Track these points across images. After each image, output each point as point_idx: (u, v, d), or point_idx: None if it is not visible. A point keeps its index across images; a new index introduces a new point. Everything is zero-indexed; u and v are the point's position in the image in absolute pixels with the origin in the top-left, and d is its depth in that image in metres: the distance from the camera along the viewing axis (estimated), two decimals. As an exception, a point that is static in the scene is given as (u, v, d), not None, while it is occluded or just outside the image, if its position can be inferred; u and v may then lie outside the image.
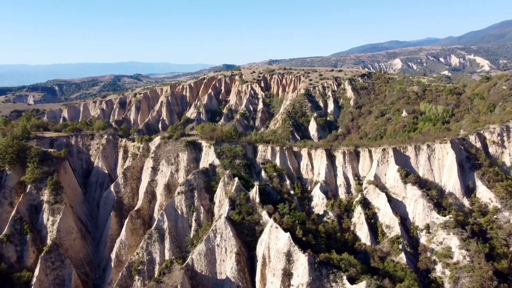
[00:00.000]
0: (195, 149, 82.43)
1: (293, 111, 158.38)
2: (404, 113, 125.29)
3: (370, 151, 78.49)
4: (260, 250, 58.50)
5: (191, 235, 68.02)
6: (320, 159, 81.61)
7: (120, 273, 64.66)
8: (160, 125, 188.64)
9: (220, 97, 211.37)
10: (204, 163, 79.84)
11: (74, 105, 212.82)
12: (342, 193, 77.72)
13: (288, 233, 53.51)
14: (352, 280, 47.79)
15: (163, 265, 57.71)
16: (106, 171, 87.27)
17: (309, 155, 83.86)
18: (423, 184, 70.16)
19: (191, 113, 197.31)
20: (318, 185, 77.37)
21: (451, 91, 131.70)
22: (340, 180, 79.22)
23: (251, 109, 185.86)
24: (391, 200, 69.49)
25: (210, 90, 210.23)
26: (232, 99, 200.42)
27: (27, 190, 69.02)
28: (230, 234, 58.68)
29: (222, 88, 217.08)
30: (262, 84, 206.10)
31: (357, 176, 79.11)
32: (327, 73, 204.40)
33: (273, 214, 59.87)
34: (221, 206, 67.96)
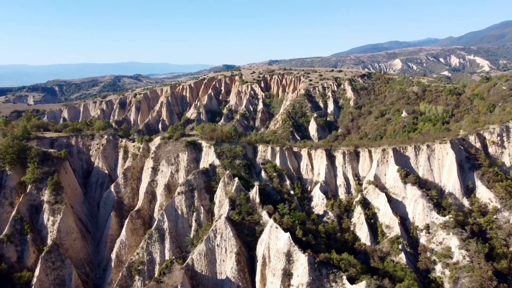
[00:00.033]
0: (195, 149, 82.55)
1: (293, 112, 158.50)
2: (404, 114, 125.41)
3: (370, 151, 78.61)
4: (260, 250, 58.59)
5: (191, 235, 68.11)
6: (320, 159, 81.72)
7: (120, 273, 64.76)
8: (160, 126, 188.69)
9: (220, 98, 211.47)
10: (204, 163, 79.95)
11: (74, 106, 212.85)
12: (342, 193, 77.82)
13: (288, 233, 53.59)
14: (352, 280, 47.89)
15: (163, 265, 57.81)
16: (106, 171, 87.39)
17: (309, 155, 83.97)
18: (423, 184, 70.27)
19: (191, 113, 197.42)
20: (318, 185, 77.48)
21: (451, 91, 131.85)
22: (340, 180, 79.32)
23: (251, 109, 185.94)
24: (391, 200, 69.59)
25: (210, 91, 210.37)
26: (232, 99, 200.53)
27: (28, 190, 69.13)
28: (230, 234, 58.77)
29: (222, 88, 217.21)
30: (262, 85, 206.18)
31: (357, 176, 79.22)
32: (327, 73, 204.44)
33: (273, 214, 59.96)
34: (221, 206, 68.07)
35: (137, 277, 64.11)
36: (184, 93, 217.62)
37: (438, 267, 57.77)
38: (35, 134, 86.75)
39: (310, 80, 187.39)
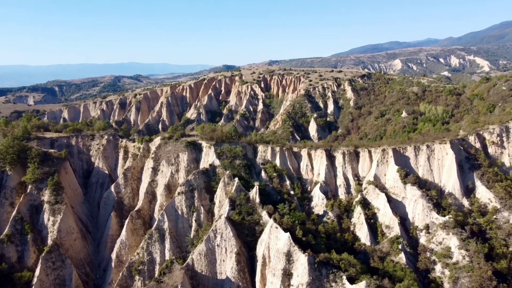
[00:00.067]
0: (195, 149, 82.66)
1: (293, 112, 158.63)
2: (404, 114, 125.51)
3: (369, 152, 78.73)
4: (260, 250, 58.67)
5: (191, 235, 68.20)
6: (320, 159, 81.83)
7: (120, 273, 64.83)
8: (160, 126, 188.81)
9: (220, 98, 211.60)
10: (204, 164, 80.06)
11: (74, 106, 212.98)
12: (342, 194, 77.91)
13: (288, 233, 53.66)
14: (351, 280, 47.96)
15: (163, 265, 57.86)
16: (106, 172, 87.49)
17: (309, 155, 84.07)
18: (423, 185, 70.37)
19: (191, 113, 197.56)
20: (318, 185, 77.58)
21: (451, 91, 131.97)
22: (340, 181, 79.43)
23: (251, 109, 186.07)
24: (390, 200, 69.68)
25: (210, 91, 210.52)
26: (232, 99, 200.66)
27: (28, 191, 69.23)
28: (230, 234, 58.86)
29: (222, 88, 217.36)
30: (262, 85, 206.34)
31: (356, 176, 79.32)
32: (327, 73, 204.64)
33: (273, 214, 60.02)
34: (221, 206, 68.16)
35: (137, 277, 64.20)
36: (184, 94, 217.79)
37: (438, 267, 57.87)
38: (35, 135, 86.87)
39: (310, 81, 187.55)
